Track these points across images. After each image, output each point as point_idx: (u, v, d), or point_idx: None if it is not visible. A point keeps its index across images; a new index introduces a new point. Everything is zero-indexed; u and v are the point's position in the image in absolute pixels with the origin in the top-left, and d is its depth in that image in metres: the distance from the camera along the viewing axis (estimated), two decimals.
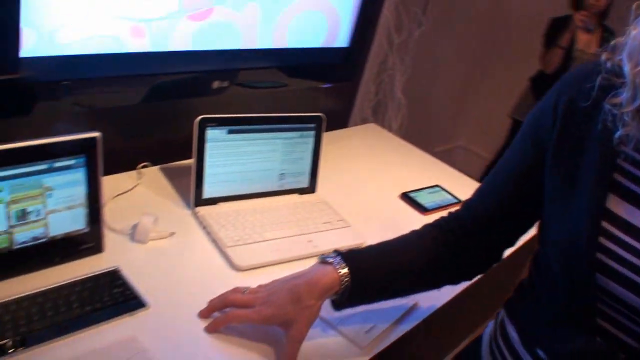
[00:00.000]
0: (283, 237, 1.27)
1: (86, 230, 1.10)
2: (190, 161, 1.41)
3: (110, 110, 1.28)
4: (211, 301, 1.04)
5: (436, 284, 1.06)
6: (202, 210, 1.31)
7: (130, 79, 1.24)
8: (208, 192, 1.32)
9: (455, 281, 1.07)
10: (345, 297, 0.98)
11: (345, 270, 0.96)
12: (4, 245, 1.01)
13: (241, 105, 1.34)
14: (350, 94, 1.93)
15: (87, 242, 1.11)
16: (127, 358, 0.93)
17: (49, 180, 1.02)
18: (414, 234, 1.04)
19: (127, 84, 1.27)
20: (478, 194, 1.02)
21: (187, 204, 1.35)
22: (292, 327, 0.96)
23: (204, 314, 1.04)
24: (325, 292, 0.96)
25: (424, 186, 1.66)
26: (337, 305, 1.00)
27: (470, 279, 1.07)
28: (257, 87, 1.53)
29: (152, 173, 1.45)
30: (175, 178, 1.44)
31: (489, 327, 1.04)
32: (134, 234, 1.19)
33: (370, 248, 1.03)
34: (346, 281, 0.96)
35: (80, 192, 1.07)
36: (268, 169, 1.38)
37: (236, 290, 1.04)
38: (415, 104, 2.26)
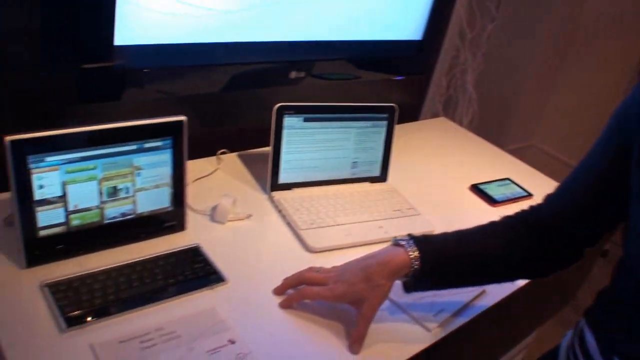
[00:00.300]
0: (354, 222, 1.29)
1: (170, 209, 1.15)
2: (266, 149, 1.46)
3: (191, 98, 1.33)
4: (286, 279, 1.08)
5: (510, 277, 1.05)
6: (278, 194, 1.35)
7: (212, 68, 1.29)
8: (283, 177, 1.36)
9: (531, 275, 1.06)
10: (415, 281, 0.99)
11: (416, 253, 0.97)
12: (96, 219, 1.07)
13: (314, 96, 1.37)
14: (421, 88, 1.94)
15: (171, 220, 1.16)
16: (208, 326, 0.98)
17: (139, 159, 1.08)
18: (491, 224, 1.03)
19: (210, 73, 1.32)
20: (560, 188, 0.99)
21: (263, 188, 1.39)
22: (362, 305, 0.99)
23: (278, 291, 1.08)
24: (395, 273, 0.98)
25: (494, 179, 1.65)
26: (407, 287, 1.01)
27: (546, 275, 1.04)
28: (330, 78, 1.56)
29: (230, 159, 1.50)
30: (251, 164, 1.49)
31: (567, 337, 1.01)
32: (213, 215, 1.24)
33: (445, 235, 1.03)
34: (416, 264, 0.97)
35: (166, 172, 1.12)
36: (341, 157, 1.41)
37: (310, 269, 1.08)
38: (487, 101, 2.24)
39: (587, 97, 2.90)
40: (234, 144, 1.50)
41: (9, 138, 0.94)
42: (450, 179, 1.64)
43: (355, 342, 1.00)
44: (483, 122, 2.27)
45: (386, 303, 1.07)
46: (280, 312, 1.04)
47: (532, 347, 1.94)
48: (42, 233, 1.02)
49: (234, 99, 1.48)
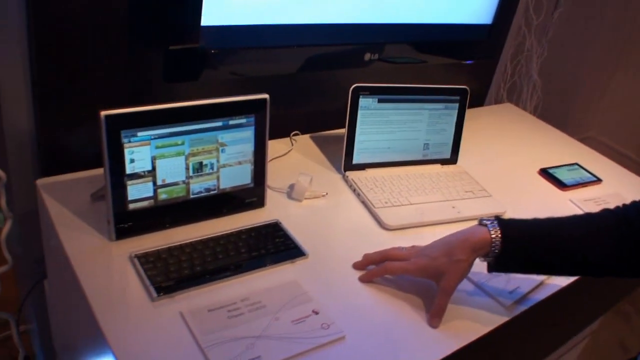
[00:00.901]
0: (427, 202, 1.28)
1: (251, 186, 1.16)
2: (337, 131, 1.49)
3: (266, 79, 1.33)
4: (367, 255, 1.08)
5: (599, 272, 0.97)
6: (352, 174, 1.34)
7: (287, 50, 1.29)
8: (357, 158, 1.35)
9: (622, 274, 0.97)
10: (496, 262, 0.97)
11: (498, 234, 0.95)
12: (182, 194, 1.08)
13: (382, 80, 1.35)
14: (487, 73, 1.91)
15: (251, 196, 1.17)
16: (292, 297, 0.98)
17: (223, 136, 1.09)
18: (588, 215, 0.98)
19: (283, 55, 1.32)
20: None
21: (337, 169, 1.39)
22: (443, 279, 0.98)
23: (359, 266, 1.08)
24: (476, 250, 0.97)
25: (563, 164, 1.61)
26: (489, 268, 1.00)
27: (638, 276, 0.96)
28: (397, 62, 1.54)
29: (303, 140, 1.51)
30: (324, 145, 1.49)
31: None
32: (291, 192, 1.25)
33: (535, 219, 0.98)
34: (497, 244, 0.95)
35: (248, 149, 1.12)
36: (413, 138, 1.40)
37: (395, 247, 1.07)
38: (551, 88, 2.19)
39: None
40: (305, 126, 1.50)
41: (104, 113, 0.95)
42: (519, 163, 1.60)
43: (435, 315, 0.99)
44: (546, 108, 2.22)
45: (464, 281, 1.05)
46: (360, 286, 1.04)
47: (590, 339, 1.89)
48: (132, 207, 1.04)
49: (306, 81, 1.47)
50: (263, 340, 0.89)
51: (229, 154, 1.10)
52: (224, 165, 1.11)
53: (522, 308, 1.07)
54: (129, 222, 1.04)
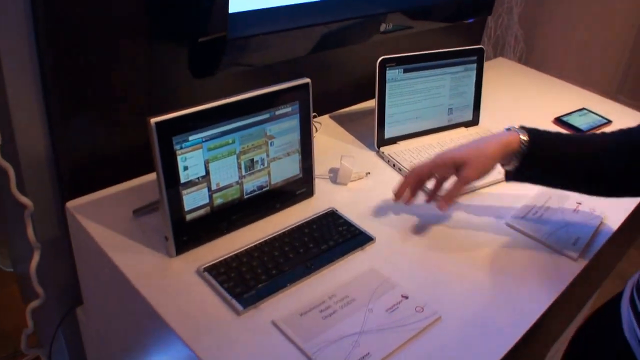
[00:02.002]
0: None
1: (300, 176, 1.09)
2: (356, 107, 1.42)
3: (278, 66, 1.25)
4: (401, 185, 1.04)
5: (618, 188, 0.97)
6: (386, 149, 1.29)
7: (301, 30, 1.20)
8: (389, 132, 1.29)
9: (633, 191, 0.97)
10: (520, 165, 0.96)
11: (526, 137, 0.95)
12: (236, 196, 1.00)
13: (384, 51, 1.29)
14: (477, 32, 1.87)
15: (301, 187, 1.10)
16: (376, 286, 0.93)
17: (271, 128, 1.01)
18: (610, 133, 0.97)
19: (292, 38, 1.23)
20: None
21: (368, 145, 1.33)
22: (464, 168, 0.97)
23: (398, 194, 1.05)
24: (505, 146, 0.95)
25: (572, 110, 1.59)
26: (509, 174, 0.99)
27: None
28: (389, 31, 1.46)
29: (325, 122, 1.44)
30: (347, 124, 1.42)
31: (633, 277, 0.91)
32: (335, 177, 1.18)
33: (560, 132, 0.99)
34: (525, 142, 0.95)
35: (295, 138, 1.05)
36: (438, 104, 1.35)
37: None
38: (532, 36, 2.16)
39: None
40: (321, 107, 1.42)
41: (153, 120, 0.86)
42: (534, 115, 1.58)
43: (444, 200, 0.99)
44: (531, 59, 2.20)
45: (524, 239, 1.06)
46: (435, 260, 1.00)
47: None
48: (189, 217, 0.95)
49: (315, 62, 1.39)
50: (366, 335, 0.84)
51: (277, 147, 1.03)
52: (273, 159, 1.03)
53: (589, 256, 1.05)
54: (187, 234, 0.96)
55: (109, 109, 1.07)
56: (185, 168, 0.91)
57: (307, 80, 1.01)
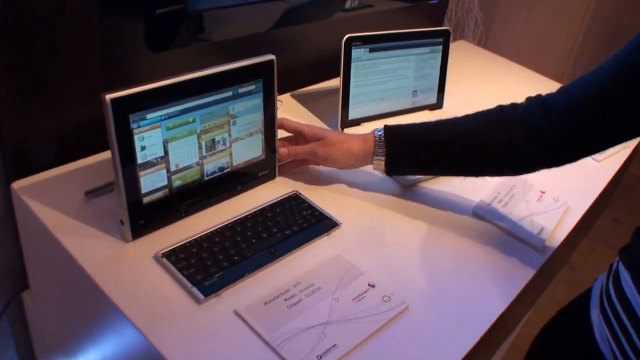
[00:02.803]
0: None
1: (262, 157, 1.04)
2: (317, 86, 1.39)
3: (235, 42, 1.19)
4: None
5: (490, 168, 0.95)
6: (350, 131, 1.25)
7: (254, 5, 1.14)
8: (353, 113, 1.25)
9: (518, 170, 0.94)
10: (388, 159, 0.98)
11: (381, 131, 0.99)
12: (196, 177, 0.94)
13: (345, 30, 1.24)
14: (438, 14, 1.83)
15: (264, 169, 1.05)
16: (343, 274, 0.89)
17: (234, 107, 0.95)
18: (476, 113, 0.96)
19: (252, 12, 1.17)
20: (576, 83, 0.87)
21: (331, 126, 1.28)
22: (319, 143, 1.03)
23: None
24: (364, 141, 1.01)
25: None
26: (386, 169, 1.01)
27: (533, 170, 0.93)
28: (354, 8, 1.42)
29: (286, 100, 1.38)
30: (309, 103, 1.37)
31: (600, 280, 0.90)
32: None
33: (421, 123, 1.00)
34: (381, 138, 0.99)
35: (258, 118, 1.00)
36: (403, 86, 1.31)
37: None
38: (491, 19, 2.14)
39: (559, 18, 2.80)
40: (281, 85, 1.36)
41: (108, 96, 0.79)
42: (495, 99, 1.53)
43: (283, 152, 1.05)
44: (489, 42, 2.18)
45: (491, 228, 1.04)
46: (403, 247, 0.98)
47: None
48: (146, 200, 0.89)
49: (275, 39, 1.33)
50: (332, 326, 0.80)
51: (240, 126, 0.97)
52: (235, 139, 0.97)
53: (552, 248, 1.04)
54: (144, 217, 0.90)
55: (58, 85, 0.99)
56: (143, 148, 0.85)
57: (272, 57, 0.96)
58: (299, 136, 1.05)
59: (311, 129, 1.03)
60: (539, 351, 0.95)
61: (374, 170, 1.10)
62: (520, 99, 0.94)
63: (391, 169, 1.00)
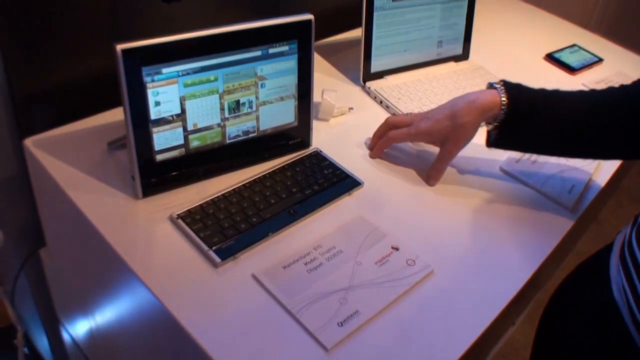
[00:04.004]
0: None
1: (295, 125, 0.96)
2: (339, 37, 1.34)
3: None
4: (375, 133, 1.00)
5: (603, 150, 0.89)
6: (372, 84, 1.18)
7: None
8: (375, 65, 1.19)
9: (628, 156, 0.92)
10: (500, 131, 0.89)
11: (505, 99, 0.87)
12: (217, 139, 0.89)
13: None
14: None
15: (296, 137, 0.98)
16: (365, 236, 0.85)
17: (263, 68, 0.88)
18: (593, 91, 0.89)
19: None
20: None
21: (353, 79, 1.22)
22: (446, 144, 0.93)
23: (371, 147, 1.01)
24: (482, 112, 0.88)
25: (562, 47, 1.50)
26: (490, 140, 0.92)
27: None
28: None
29: None
30: (328, 55, 1.30)
31: (623, 231, 0.85)
32: (316, 112, 1.08)
33: (543, 89, 0.89)
34: (504, 107, 0.87)
35: (291, 81, 0.93)
36: (427, 37, 1.24)
37: (399, 115, 1.03)
38: None
39: None
40: None
41: (120, 46, 0.74)
42: (524, 50, 1.48)
43: (432, 177, 0.96)
44: None
45: (520, 185, 0.99)
46: (427, 207, 0.93)
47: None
48: (159, 158, 0.85)
49: None
50: (354, 291, 0.77)
51: (269, 89, 0.91)
52: (263, 103, 0.91)
53: (583, 207, 0.99)
54: (157, 175, 0.86)
55: (67, 37, 0.94)
56: (157, 104, 0.80)
57: (310, 16, 0.89)
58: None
59: (418, 133, 0.94)
60: (557, 302, 0.91)
61: None
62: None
63: (502, 139, 0.91)
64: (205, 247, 0.78)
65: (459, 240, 0.87)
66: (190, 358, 0.71)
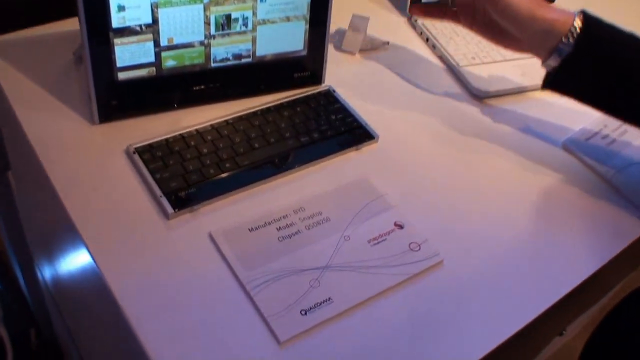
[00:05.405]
0: (527, 57, 1.01)
1: (303, 54, 0.87)
2: None
3: None
4: None
5: None
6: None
7: None
8: None
9: None
10: (564, 60, 0.77)
11: (580, 22, 0.76)
12: (199, 61, 0.81)
13: None
14: None
15: (303, 69, 0.89)
16: (363, 203, 0.77)
17: None
18: None
19: None
20: None
21: (399, 8, 1.11)
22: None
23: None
24: (550, 23, 0.77)
25: None
26: (546, 79, 0.81)
27: None
28: None
29: None
30: None
31: None
32: (340, 41, 0.99)
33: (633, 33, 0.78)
34: (575, 31, 0.76)
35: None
36: None
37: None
38: None
39: None
40: None
41: None
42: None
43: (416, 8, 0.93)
44: None
45: (583, 170, 0.88)
46: (455, 177, 0.84)
47: None
48: (122, 76, 0.78)
49: None
50: (331, 273, 0.69)
51: (272, 5, 0.81)
52: (263, 22, 0.82)
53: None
54: (118, 98, 0.79)
55: None
56: (121, 8, 0.73)
57: None
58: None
59: None
60: (609, 324, 0.84)
61: (437, 69, 0.98)
62: None
63: (560, 78, 0.81)
64: (159, 192, 0.72)
65: (485, 228, 0.78)
66: (118, 327, 0.66)
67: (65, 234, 0.79)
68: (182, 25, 0.77)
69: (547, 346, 1.33)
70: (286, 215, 0.74)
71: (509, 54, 0.95)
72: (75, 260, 0.80)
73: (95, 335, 0.93)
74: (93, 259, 0.66)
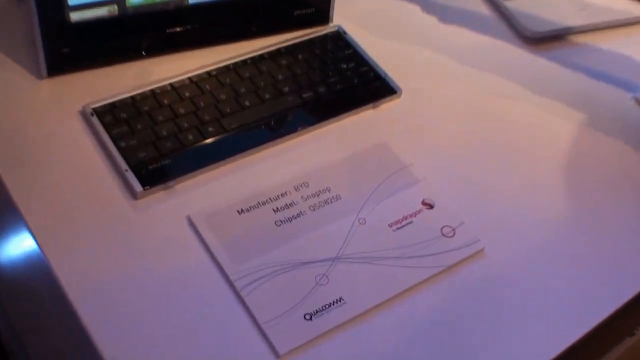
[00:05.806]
0: None
1: None
2: None
3: None
4: None
5: None
6: None
7: None
8: None
9: None
10: None
11: None
12: None
13: None
14: None
15: (306, 4, 0.88)
16: (383, 177, 0.76)
17: None
18: None
19: None
20: None
21: None
22: None
23: None
24: None
25: None
26: None
27: None
28: None
29: None
30: None
31: None
32: None
33: None
34: None
35: None
36: None
37: None
38: None
39: None
40: None
41: None
42: None
43: None
44: None
45: None
46: (497, 140, 0.83)
47: None
48: (75, 17, 0.76)
49: None
50: (343, 265, 0.67)
51: None
52: None
53: None
54: (71, 44, 0.78)
55: None
56: None
57: None
58: None
59: None
60: None
61: (476, 4, 1.00)
62: None
63: None
64: (124, 165, 0.70)
65: (537, 207, 0.77)
66: (73, 332, 0.65)
67: (5, 217, 0.78)
68: None
69: (615, 347, 1.36)
70: (285, 192, 0.73)
71: None
72: (19, 249, 0.79)
73: (46, 337, 0.94)
74: (40, 249, 0.64)
